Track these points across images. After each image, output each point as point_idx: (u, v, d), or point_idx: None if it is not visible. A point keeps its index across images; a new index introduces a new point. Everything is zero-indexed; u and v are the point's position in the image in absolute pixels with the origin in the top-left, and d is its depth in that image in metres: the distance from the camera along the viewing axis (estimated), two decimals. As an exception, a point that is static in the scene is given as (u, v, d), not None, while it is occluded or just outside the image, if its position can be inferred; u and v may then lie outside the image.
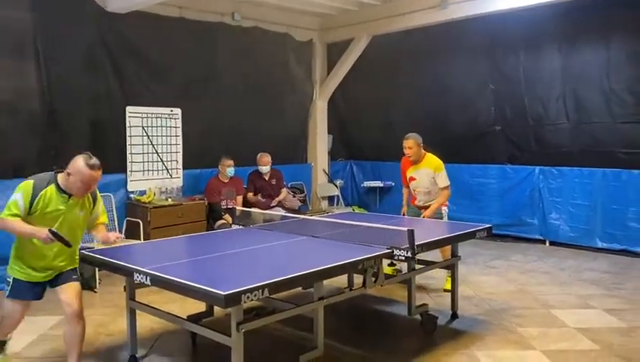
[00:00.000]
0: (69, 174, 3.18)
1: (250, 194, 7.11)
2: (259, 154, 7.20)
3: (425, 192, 5.40)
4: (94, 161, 3.21)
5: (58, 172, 3.26)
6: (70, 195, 3.24)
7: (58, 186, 3.22)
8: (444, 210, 5.40)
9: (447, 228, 4.87)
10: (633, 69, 6.67)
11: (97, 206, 3.47)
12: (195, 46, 7.19)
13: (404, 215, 5.65)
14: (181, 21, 7.02)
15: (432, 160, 5.33)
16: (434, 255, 4.72)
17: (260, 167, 7.17)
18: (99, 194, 3.50)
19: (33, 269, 3.28)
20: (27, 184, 3.18)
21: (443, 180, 5.27)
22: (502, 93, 7.84)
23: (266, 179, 7.21)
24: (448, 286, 4.95)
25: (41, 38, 5.84)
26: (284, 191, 7.46)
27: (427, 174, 5.31)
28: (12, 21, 5.68)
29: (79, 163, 3.17)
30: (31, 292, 3.31)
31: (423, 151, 5.37)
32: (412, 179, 5.45)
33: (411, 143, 5.28)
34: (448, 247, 4.65)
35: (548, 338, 4.07)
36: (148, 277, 2.98)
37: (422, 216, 5.30)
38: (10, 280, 3.28)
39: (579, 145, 7.17)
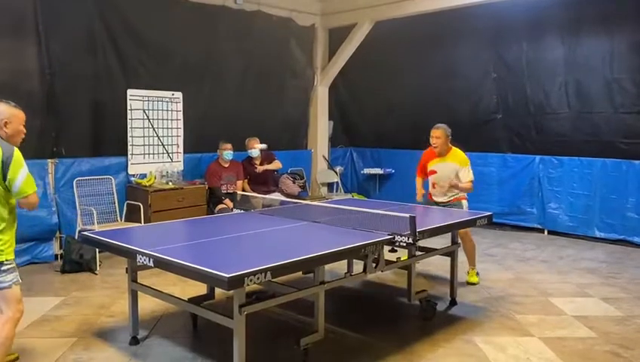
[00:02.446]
0: (6, 124, 2.99)
1: (245, 182, 7.07)
2: (247, 139, 7.14)
3: (444, 187, 5.14)
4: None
5: None
6: None
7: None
8: (465, 203, 5.19)
9: (448, 215, 4.88)
10: (636, 59, 6.66)
11: None
12: (197, 29, 7.14)
13: (419, 201, 5.40)
14: (183, 3, 6.96)
15: (458, 154, 5.08)
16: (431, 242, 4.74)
17: (249, 151, 7.13)
18: None
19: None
20: (20, 154, 2.98)
21: (467, 175, 5.01)
22: (504, 81, 7.83)
23: (257, 164, 7.16)
24: (473, 280, 5.16)
25: (42, 18, 5.78)
26: (276, 162, 7.38)
27: (451, 169, 5.05)
28: (13, 0, 5.61)
29: (7, 109, 3.02)
30: None
31: (450, 144, 5.13)
32: (432, 172, 5.14)
33: (440, 133, 5.01)
34: (465, 234, 4.86)
35: (546, 326, 4.11)
36: (151, 259, 2.99)
37: (449, 184, 5.04)
38: (14, 265, 3.01)
39: (579, 135, 7.18)
